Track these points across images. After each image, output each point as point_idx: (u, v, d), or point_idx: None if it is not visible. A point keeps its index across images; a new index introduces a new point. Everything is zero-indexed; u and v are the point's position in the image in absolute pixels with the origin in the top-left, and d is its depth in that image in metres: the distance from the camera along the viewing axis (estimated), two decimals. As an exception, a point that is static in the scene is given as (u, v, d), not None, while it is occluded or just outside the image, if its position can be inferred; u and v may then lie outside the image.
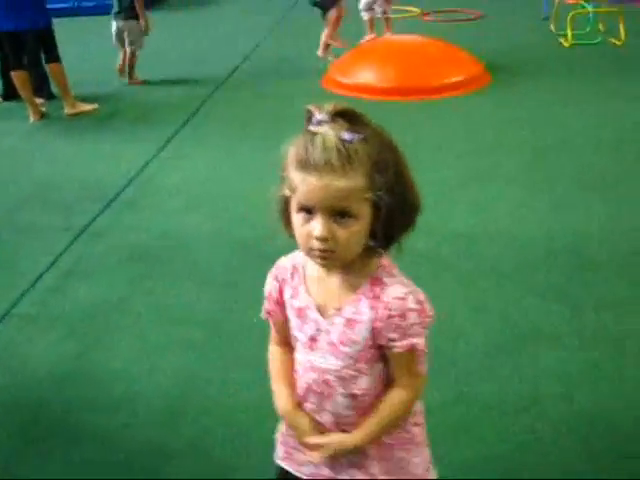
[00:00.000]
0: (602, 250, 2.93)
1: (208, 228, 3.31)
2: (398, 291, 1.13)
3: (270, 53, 6.98)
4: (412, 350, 1.15)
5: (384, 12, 6.68)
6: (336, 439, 1.22)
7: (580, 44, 6.64)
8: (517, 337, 2.38)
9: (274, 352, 1.33)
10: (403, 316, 1.12)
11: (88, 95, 5.67)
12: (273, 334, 1.32)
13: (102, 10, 9.67)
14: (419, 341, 1.14)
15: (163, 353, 2.41)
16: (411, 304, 1.12)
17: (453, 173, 3.80)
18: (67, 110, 5.35)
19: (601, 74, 5.68)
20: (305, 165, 1.06)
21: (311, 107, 1.09)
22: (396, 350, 1.14)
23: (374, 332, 1.15)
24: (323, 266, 1.13)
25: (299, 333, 1.23)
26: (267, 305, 1.28)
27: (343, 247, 1.08)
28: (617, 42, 6.66)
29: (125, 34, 5.99)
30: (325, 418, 1.23)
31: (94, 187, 3.88)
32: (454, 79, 5.28)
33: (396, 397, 1.21)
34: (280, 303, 1.25)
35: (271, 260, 1.24)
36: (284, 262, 1.26)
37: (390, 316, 1.12)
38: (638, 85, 5.27)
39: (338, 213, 1.06)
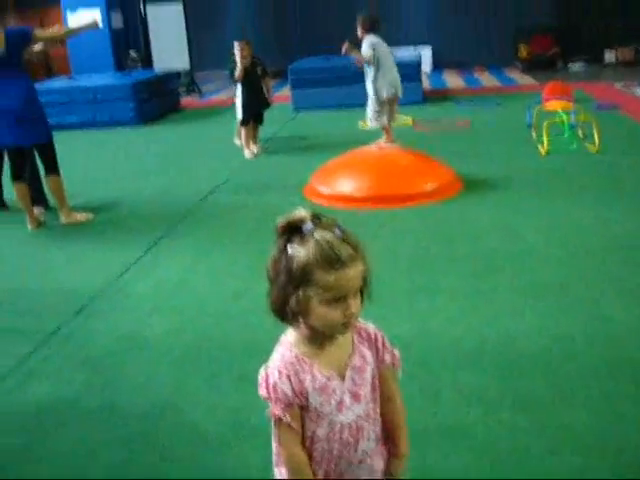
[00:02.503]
0: (529, 354, 3.10)
1: (173, 339, 3.49)
2: (369, 326, 1.50)
3: (255, 164, 7.35)
4: (394, 359, 1.50)
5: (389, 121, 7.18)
6: (398, 471, 1.57)
7: (557, 152, 6.94)
8: (426, 431, 2.54)
9: (300, 455, 1.42)
10: (382, 339, 1.49)
11: (88, 203, 6.09)
12: (293, 435, 1.41)
13: (113, 123, 10.34)
14: (395, 350, 1.51)
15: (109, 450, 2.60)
16: (379, 331, 1.51)
17: (401, 283, 4.01)
18: (63, 219, 5.66)
19: (570, 184, 5.89)
20: (333, 264, 1.30)
21: (288, 219, 1.35)
22: (387, 363, 1.49)
23: (377, 363, 1.48)
24: (343, 333, 1.41)
25: (326, 408, 1.42)
26: (287, 406, 1.37)
27: (358, 314, 1.38)
28: (593, 148, 6.94)
29: None
30: (359, 456, 1.48)
31: (70, 293, 4.15)
32: (424, 188, 5.56)
33: (399, 403, 1.55)
34: (303, 394, 1.39)
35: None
36: (287, 359, 1.42)
37: (378, 345, 1.48)
38: (601, 197, 5.45)
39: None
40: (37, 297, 4.16)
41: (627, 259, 4.15)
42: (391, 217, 5.20)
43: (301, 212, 1.34)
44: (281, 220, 1.34)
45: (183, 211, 5.75)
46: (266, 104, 7.92)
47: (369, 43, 6.95)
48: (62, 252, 5.00)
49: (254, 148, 7.73)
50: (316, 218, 1.34)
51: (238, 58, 7.48)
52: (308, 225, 1.32)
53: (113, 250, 4.93)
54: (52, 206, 5.92)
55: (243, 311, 3.72)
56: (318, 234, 1.31)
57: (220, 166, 7.36)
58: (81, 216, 5.74)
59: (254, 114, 7.72)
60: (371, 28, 7.01)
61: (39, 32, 5.63)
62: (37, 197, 5.92)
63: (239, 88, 7.71)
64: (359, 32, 7.05)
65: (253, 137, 7.81)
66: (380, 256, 4.39)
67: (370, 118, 7.14)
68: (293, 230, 1.34)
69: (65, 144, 7.03)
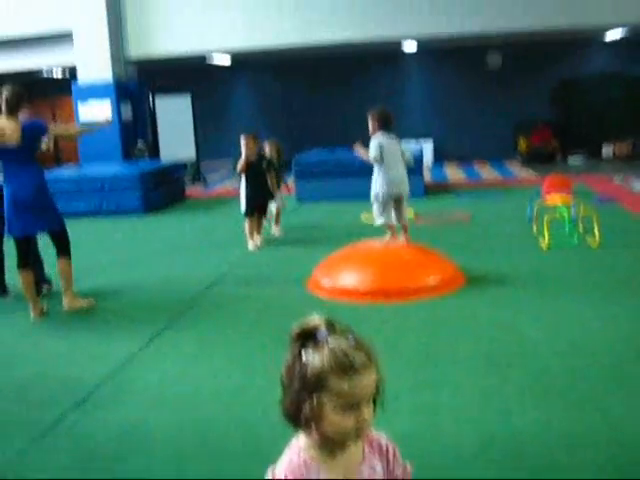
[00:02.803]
0: (535, 451, 3.07)
1: (174, 434, 3.45)
2: (382, 437, 1.49)
3: (258, 258, 7.40)
4: (406, 474, 1.51)
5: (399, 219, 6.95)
6: None
7: (558, 246, 7.01)
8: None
9: None
10: (394, 452, 1.48)
11: (91, 289, 6.13)
12: None
13: (119, 212, 10.50)
14: (408, 466, 1.50)
15: None
16: (391, 443, 1.49)
17: (404, 378, 3.99)
18: (66, 305, 5.69)
19: (573, 280, 5.92)
20: (348, 371, 1.32)
21: (302, 327, 1.37)
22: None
23: (387, 475, 1.46)
24: (356, 441, 1.41)
25: None
26: None
27: (370, 421, 1.38)
28: (593, 243, 7.01)
29: None
30: None
31: (71, 383, 4.13)
32: (426, 283, 5.60)
33: None
34: None
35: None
36: (294, 464, 1.42)
37: (389, 457, 1.47)
38: (604, 294, 5.47)
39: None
40: (38, 387, 4.13)
41: (633, 358, 4.14)
42: (394, 311, 5.22)
43: (315, 319, 1.37)
44: (295, 327, 1.37)
45: (186, 301, 5.77)
46: (270, 197, 8.06)
47: (377, 144, 6.68)
48: (65, 341, 4.99)
49: (257, 240, 7.82)
50: (330, 325, 1.37)
51: (243, 151, 7.67)
52: (322, 332, 1.35)
53: (116, 340, 4.92)
54: (54, 291, 5.95)
55: (245, 406, 3.70)
56: (332, 341, 1.34)
57: (224, 256, 7.43)
58: (83, 302, 5.78)
59: (257, 207, 7.85)
60: (384, 125, 6.76)
61: (54, 128, 5.77)
62: (42, 277, 6.05)
63: (243, 180, 7.87)
64: (370, 128, 6.81)
65: (257, 229, 7.91)
66: (383, 351, 4.38)
67: (375, 215, 6.94)
68: (307, 336, 1.36)
69: (72, 231, 7.07)
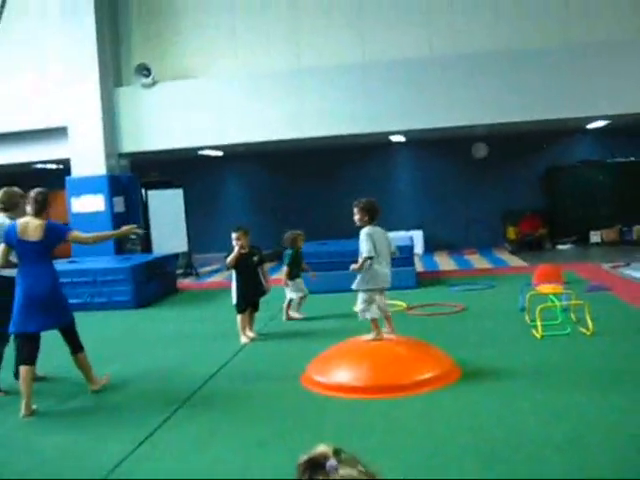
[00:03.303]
0: None
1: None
2: None
3: (252, 350, 7.37)
4: None
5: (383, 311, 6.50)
6: None
7: (551, 336, 7.00)
8: None
9: None
10: None
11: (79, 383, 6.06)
12: None
13: (111, 305, 10.47)
14: None
15: None
16: None
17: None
18: (92, 387, 6.01)
19: (568, 371, 5.89)
20: None
21: (310, 456, 1.36)
22: None
23: None
24: None
25: None
26: None
27: None
28: (586, 332, 7.02)
29: None
30: None
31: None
32: (422, 377, 5.56)
33: None
34: None
35: None
36: None
37: None
38: (601, 384, 5.47)
39: None
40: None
41: (631, 447, 4.10)
42: (388, 407, 5.16)
43: (322, 448, 1.36)
44: (302, 457, 1.36)
45: (181, 398, 5.70)
46: (262, 292, 8.08)
47: (369, 238, 6.25)
48: (50, 441, 4.90)
49: (250, 334, 7.80)
50: (337, 454, 1.36)
51: (235, 245, 7.73)
52: (332, 462, 1.34)
53: (107, 440, 4.84)
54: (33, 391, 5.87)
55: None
56: (342, 471, 1.33)
57: (218, 350, 7.38)
58: (104, 380, 6.17)
59: (250, 302, 7.87)
60: (372, 218, 6.36)
61: (74, 235, 6.03)
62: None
63: (234, 275, 7.90)
64: (358, 219, 6.36)
65: (249, 323, 7.91)
66: (377, 450, 4.33)
67: (361, 309, 6.37)
68: (315, 466, 1.35)
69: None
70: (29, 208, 5.83)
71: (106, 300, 10.59)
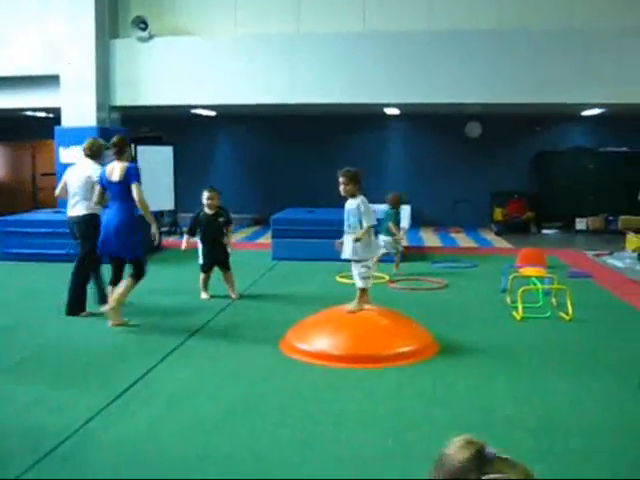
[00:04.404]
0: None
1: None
2: None
3: (231, 313, 7.38)
4: None
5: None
6: None
7: (531, 318, 7.05)
8: None
9: None
10: None
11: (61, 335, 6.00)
12: None
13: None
14: None
15: None
16: None
17: (375, 446, 3.95)
18: (111, 322, 6.68)
19: (546, 353, 5.94)
20: None
21: (477, 448, 1.41)
22: None
23: None
24: None
25: None
26: None
27: None
28: (566, 317, 7.07)
29: None
30: None
31: (34, 438, 4.03)
32: (400, 350, 5.58)
33: None
34: None
35: None
36: None
37: None
38: (577, 368, 5.52)
39: None
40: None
41: (603, 431, 4.14)
42: (366, 377, 5.19)
43: (465, 440, 1.38)
44: (459, 452, 1.39)
45: (157, 355, 5.69)
46: (226, 253, 8.13)
47: (369, 206, 6.17)
48: (27, 391, 4.88)
49: (205, 295, 8.08)
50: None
51: (205, 205, 8.01)
52: (490, 449, 1.39)
53: (82, 394, 4.83)
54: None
55: (210, 473, 3.63)
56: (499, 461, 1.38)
57: (197, 308, 7.39)
58: (125, 320, 6.78)
59: (214, 262, 8.04)
60: (361, 187, 6.22)
61: (135, 186, 6.59)
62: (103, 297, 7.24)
63: (199, 236, 8.12)
64: (347, 188, 6.15)
65: (228, 283, 8.08)
66: (354, 418, 4.36)
67: (361, 277, 6.15)
68: (483, 457, 1.39)
69: (43, 274, 7.04)
70: (112, 152, 6.71)
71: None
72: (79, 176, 7.22)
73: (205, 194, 8.01)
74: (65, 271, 7.31)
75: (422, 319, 6.41)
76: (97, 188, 6.78)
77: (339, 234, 6.35)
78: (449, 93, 12.12)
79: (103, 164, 7.04)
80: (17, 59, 12.99)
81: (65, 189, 7.43)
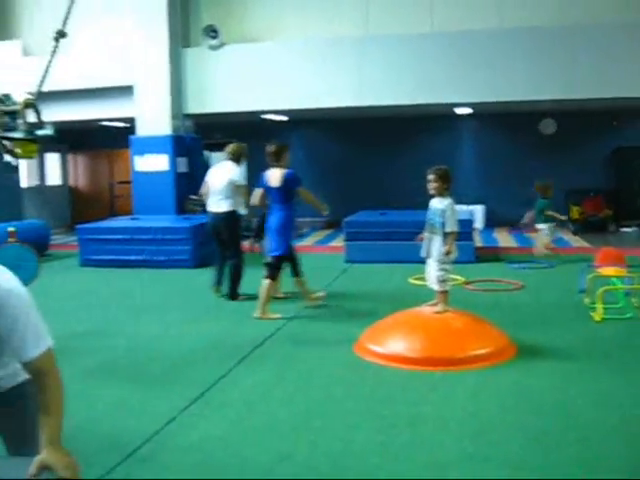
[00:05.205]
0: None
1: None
2: None
3: (307, 315, 7.44)
4: None
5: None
6: None
7: (611, 319, 6.85)
8: None
9: None
10: None
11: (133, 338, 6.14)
12: None
13: (170, 264, 10.62)
14: None
15: None
16: None
17: (450, 449, 3.91)
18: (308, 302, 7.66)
19: (628, 356, 5.76)
20: None
21: None
22: None
23: None
24: None
25: None
26: None
27: None
28: (648, 318, 6.85)
29: None
30: None
31: (116, 439, 4.14)
32: (477, 352, 5.52)
33: None
34: None
35: None
36: None
37: None
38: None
39: None
40: (84, 442, 4.13)
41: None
42: (442, 380, 5.14)
43: None
44: None
45: (235, 358, 5.78)
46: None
47: (454, 210, 6.04)
48: (108, 393, 5.02)
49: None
50: None
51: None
52: None
53: (160, 397, 4.93)
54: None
55: (287, 475, 3.66)
56: None
57: (278, 310, 7.47)
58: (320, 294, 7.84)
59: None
60: (450, 187, 6.12)
61: (302, 189, 7.29)
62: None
63: None
64: (437, 188, 6.03)
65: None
66: (430, 421, 4.33)
67: (439, 280, 6.04)
68: None
69: (124, 279, 7.19)
70: (271, 159, 7.28)
71: (165, 258, 10.75)
72: (222, 177, 8.08)
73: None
74: (142, 276, 7.48)
75: (498, 321, 6.31)
76: (257, 190, 7.45)
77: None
78: (519, 91, 11.92)
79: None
80: (92, 72, 13.38)
81: (207, 188, 8.26)
